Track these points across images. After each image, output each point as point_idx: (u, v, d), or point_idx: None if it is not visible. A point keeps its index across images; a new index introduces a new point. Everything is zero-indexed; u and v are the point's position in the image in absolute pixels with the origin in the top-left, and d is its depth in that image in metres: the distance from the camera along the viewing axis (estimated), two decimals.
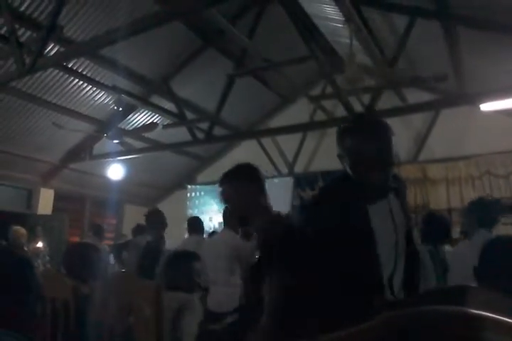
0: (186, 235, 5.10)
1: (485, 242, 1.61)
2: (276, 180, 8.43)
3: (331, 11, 5.77)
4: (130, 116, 7.18)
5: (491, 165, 6.54)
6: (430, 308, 0.48)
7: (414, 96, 5.54)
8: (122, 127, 6.98)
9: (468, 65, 5.08)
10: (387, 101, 5.46)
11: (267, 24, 5.85)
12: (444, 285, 2.83)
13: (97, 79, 6.08)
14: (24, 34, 4.94)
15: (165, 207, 9.75)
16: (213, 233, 5.48)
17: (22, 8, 4.81)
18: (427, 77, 4.84)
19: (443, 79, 4.60)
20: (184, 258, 2.57)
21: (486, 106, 5.26)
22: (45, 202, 7.68)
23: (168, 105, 6.76)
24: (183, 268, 2.47)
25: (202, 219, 5.15)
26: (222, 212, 4.04)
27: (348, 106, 5.37)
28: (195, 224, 4.91)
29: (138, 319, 1.96)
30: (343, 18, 3.88)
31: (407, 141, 7.35)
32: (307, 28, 5.15)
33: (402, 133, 7.23)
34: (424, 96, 5.98)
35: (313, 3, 5.63)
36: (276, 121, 8.10)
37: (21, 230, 5.40)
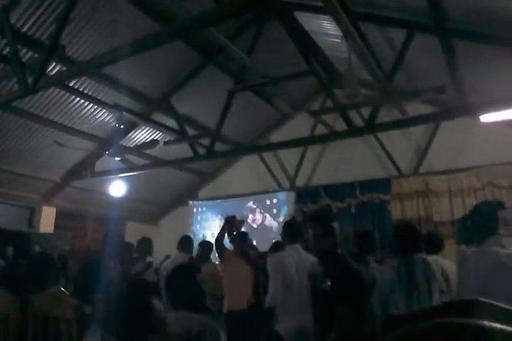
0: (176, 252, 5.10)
1: None
2: (278, 195, 8.43)
3: (329, 27, 5.85)
4: (131, 133, 7.22)
5: (493, 176, 6.52)
6: (446, 320, 0.48)
7: (414, 108, 5.55)
8: (124, 144, 7.01)
9: (467, 77, 5.12)
10: (386, 114, 5.48)
11: (267, 40, 5.92)
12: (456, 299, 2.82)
13: (98, 97, 6.13)
14: (26, 54, 5.00)
15: (167, 223, 9.75)
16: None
17: (24, 29, 4.88)
18: (426, 89, 4.86)
19: (442, 92, 4.62)
20: (188, 273, 2.24)
21: (486, 118, 5.28)
22: (47, 220, 7.66)
23: (169, 122, 6.79)
24: (190, 283, 2.13)
25: (204, 234, 5.14)
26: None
27: (348, 120, 5.38)
28: (185, 243, 5.06)
29: None
30: (341, 34, 3.91)
31: (408, 153, 7.36)
32: (306, 43, 5.19)
33: (402, 145, 7.27)
34: (424, 109, 6.00)
35: (311, 19, 5.71)
36: (277, 136, 8.14)
37: None
